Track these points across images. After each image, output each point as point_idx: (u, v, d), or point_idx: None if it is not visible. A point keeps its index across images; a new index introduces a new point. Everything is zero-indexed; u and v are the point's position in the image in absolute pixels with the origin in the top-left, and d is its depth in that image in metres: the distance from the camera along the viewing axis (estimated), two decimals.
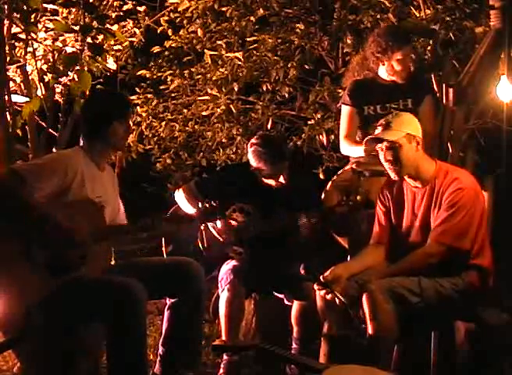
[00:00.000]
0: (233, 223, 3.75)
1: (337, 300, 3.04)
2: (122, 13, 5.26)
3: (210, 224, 3.79)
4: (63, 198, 3.02)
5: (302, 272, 3.17)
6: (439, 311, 3.12)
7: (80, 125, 3.29)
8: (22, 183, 2.89)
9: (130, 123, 3.57)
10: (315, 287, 3.15)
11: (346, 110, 4.15)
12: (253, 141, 3.93)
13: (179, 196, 3.86)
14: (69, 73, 4.16)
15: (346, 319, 3.11)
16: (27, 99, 4.32)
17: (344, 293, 3.07)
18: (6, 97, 4.20)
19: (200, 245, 3.82)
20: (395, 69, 3.99)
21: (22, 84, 4.57)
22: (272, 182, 3.89)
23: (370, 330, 3.00)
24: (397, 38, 3.95)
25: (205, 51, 5.39)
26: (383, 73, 4.05)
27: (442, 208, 3.17)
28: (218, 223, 3.78)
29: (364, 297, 3.01)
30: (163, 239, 3.81)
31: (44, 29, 4.53)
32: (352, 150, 4.07)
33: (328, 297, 3.08)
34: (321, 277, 3.11)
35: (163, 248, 3.83)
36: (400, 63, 3.97)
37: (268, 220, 3.77)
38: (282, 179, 4.00)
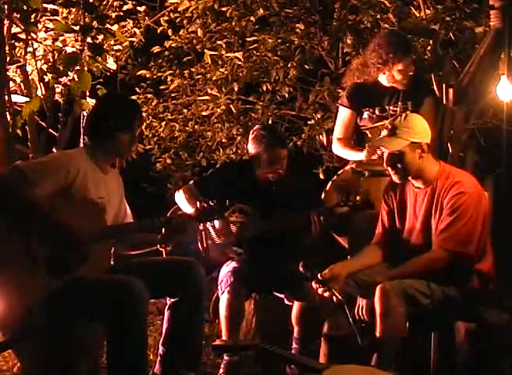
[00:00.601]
0: (233, 223, 3.74)
1: (334, 298, 3.04)
2: (122, 13, 5.26)
3: (209, 225, 3.79)
4: (65, 196, 3.01)
5: (301, 269, 3.17)
6: (443, 311, 3.12)
7: (85, 130, 3.28)
8: (24, 182, 2.89)
9: (139, 130, 3.53)
10: (313, 284, 3.15)
11: (343, 112, 4.14)
12: (255, 128, 3.95)
13: (180, 197, 3.86)
14: (69, 73, 4.16)
15: (345, 319, 3.11)
16: (27, 99, 4.32)
17: (342, 291, 3.07)
18: (6, 97, 4.20)
19: (199, 246, 3.81)
20: (395, 78, 3.98)
21: (22, 84, 4.57)
22: (270, 175, 3.86)
23: (378, 331, 2.99)
24: (398, 50, 3.91)
25: (205, 51, 5.39)
26: (383, 79, 4.04)
27: (444, 212, 3.16)
28: (217, 223, 3.77)
29: (376, 295, 3.00)
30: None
31: (44, 29, 4.52)
32: (345, 153, 4.08)
33: (326, 295, 3.08)
34: (319, 275, 3.11)
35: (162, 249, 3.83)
36: (401, 73, 3.95)
37: (268, 220, 3.77)
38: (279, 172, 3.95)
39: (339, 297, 3.03)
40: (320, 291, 3.11)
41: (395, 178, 3.26)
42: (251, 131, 3.95)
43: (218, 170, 4.12)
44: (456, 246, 3.10)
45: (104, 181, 3.20)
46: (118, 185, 3.36)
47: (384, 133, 3.27)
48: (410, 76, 3.99)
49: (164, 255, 3.77)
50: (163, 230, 3.24)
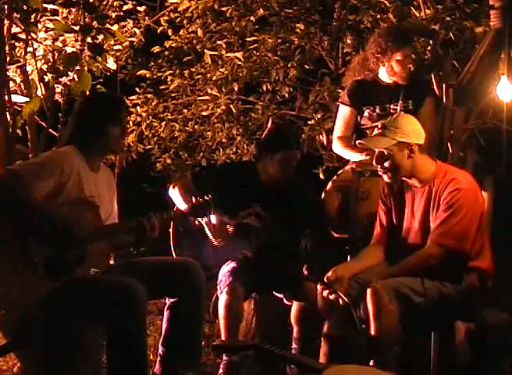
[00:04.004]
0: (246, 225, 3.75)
1: (340, 300, 3.04)
2: (122, 13, 5.26)
3: (206, 227, 3.78)
4: (60, 196, 3.02)
5: (305, 272, 3.16)
6: (440, 311, 3.12)
7: (75, 127, 3.27)
8: (20, 184, 2.89)
9: (128, 124, 3.54)
10: (319, 287, 3.15)
11: (343, 110, 4.14)
12: (269, 127, 4.10)
13: (175, 193, 3.83)
14: (69, 73, 4.16)
15: (346, 320, 3.11)
16: (27, 99, 4.32)
17: (347, 293, 3.07)
18: (6, 97, 4.20)
19: (212, 241, 3.79)
20: (394, 70, 3.99)
21: (22, 84, 4.57)
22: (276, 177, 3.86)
23: (372, 331, 3.00)
24: (397, 39, 3.96)
25: (205, 51, 5.39)
26: (383, 74, 4.05)
27: (440, 209, 3.16)
28: (213, 218, 3.76)
29: (368, 295, 3.01)
30: (171, 238, 3.81)
31: (44, 29, 4.52)
32: (344, 153, 4.08)
33: (332, 297, 3.07)
34: (324, 278, 3.11)
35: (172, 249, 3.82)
36: (400, 64, 3.97)
37: (278, 234, 3.75)
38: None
39: (345, 299, 3.02)
40: (325, 293, 3.10)
41: (385, 177, 3.27)
42: (267, 129, 3.99)
43: (220, 170, 4.09)
44: (451, 242, 3.11)
45: (94, 180, 3.19)
46: (108, 183, 3.34)
47: (374, 132, 3.29)
48: (410, 70, 4.00)
49: (174, 255, 3.76)
50: (136, 231, 3.18)
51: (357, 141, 3.43)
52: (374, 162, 3.28)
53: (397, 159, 3.20)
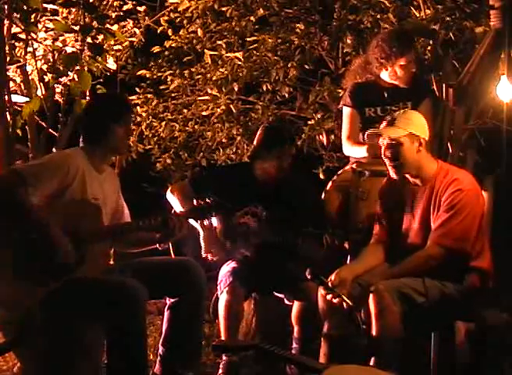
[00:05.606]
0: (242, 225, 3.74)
1: (344, 304, 3.03)
2: (122, 13, 5.26)
3: (201, 238, 3.77)
4: (63, 197, 3.02)
5: (308, 276, 3.14)
6: (441, 310, 3.12)
7: (80, 128, 3.29)
8: (22, 185, 2.89)
9: (131, 125, 3.55)
10: (322, 291, 3.14)
11: (347, 111, 4.14)
12: (264, 124, 4.11)
13: (172, 195, 3.84)
14: (69, 73, 4.16)
15: (347, 321, 3.10)
16: (27, 99, 4.32)
17: (350, 296, 3.06)
18: (6, 97, 4.20)
19: (203, 253, 3.78)
20: (398, 74, 3.98)
21: (22, 84, 4.57)
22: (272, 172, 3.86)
23: (374, 331, 3.00)
24: (401, 44, 3.93)
25: (205, 51, 5.40)
26: (385, 76, 4.04)
27: (441, 209, 3.16)
28: (214, 221, 3.75)
29: (370, 296, 3.01)
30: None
31: (44, 29, 4.53)
32: (354, 150, 4.07)
33: (336, 301, 3.07)
34: (328, 282, 3.09)
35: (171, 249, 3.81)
36: (403, 69, 3.96)
37: (279, 233, 3.74)
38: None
39: (350, 303, 3.02)
40: (329, 297, 3.10)
41: (392, 172, 3.25)
42: (261, 127, 4.01)
43: (217, 171, 4.09)
44: (452, 242, 3.11)
45: (99, 181, 3.20)
46: (114, 185, 3.35)
47: (382, 125, 3.29)
48: (412, 74, 4.00)
49: (172, 254, 3.76)
50: (162, 228, 3.23)
51: (367, 132, 3.41)
52: (383, 155, 3.26)
53: (407, 151, 3.18)
